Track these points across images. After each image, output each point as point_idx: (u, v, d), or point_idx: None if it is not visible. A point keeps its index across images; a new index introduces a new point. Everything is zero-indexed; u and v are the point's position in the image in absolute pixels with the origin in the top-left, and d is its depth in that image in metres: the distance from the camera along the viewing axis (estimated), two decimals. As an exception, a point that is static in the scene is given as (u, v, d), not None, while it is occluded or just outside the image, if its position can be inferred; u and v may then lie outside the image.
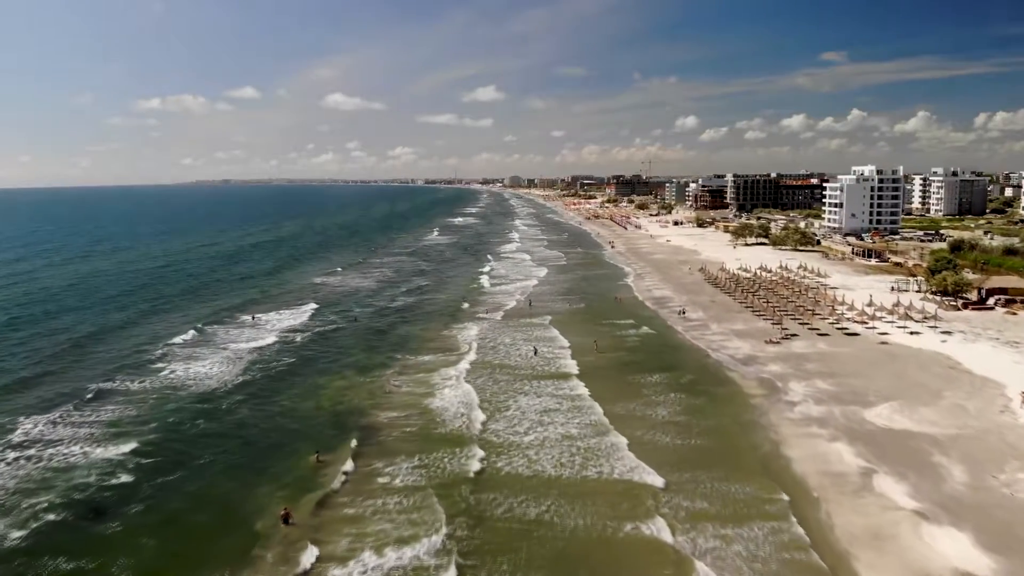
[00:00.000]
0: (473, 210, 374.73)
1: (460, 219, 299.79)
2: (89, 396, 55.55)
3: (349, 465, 42.17)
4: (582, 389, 55.78)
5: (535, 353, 66.72)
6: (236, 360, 65.98)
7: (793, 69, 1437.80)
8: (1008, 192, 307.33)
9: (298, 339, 74.88)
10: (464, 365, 63.34)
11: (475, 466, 42.03)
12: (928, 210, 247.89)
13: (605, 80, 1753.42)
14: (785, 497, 37.20)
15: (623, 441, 44.85)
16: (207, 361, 65.61)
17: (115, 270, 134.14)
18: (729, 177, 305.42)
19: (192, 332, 76.77)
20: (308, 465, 42.64)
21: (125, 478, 41.33)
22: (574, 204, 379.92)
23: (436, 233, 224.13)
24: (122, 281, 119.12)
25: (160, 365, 64.48)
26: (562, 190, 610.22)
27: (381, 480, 40.44)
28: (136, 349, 70.48)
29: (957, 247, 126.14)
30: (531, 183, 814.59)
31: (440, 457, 43.40)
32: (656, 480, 39.24)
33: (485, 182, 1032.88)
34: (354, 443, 45.44)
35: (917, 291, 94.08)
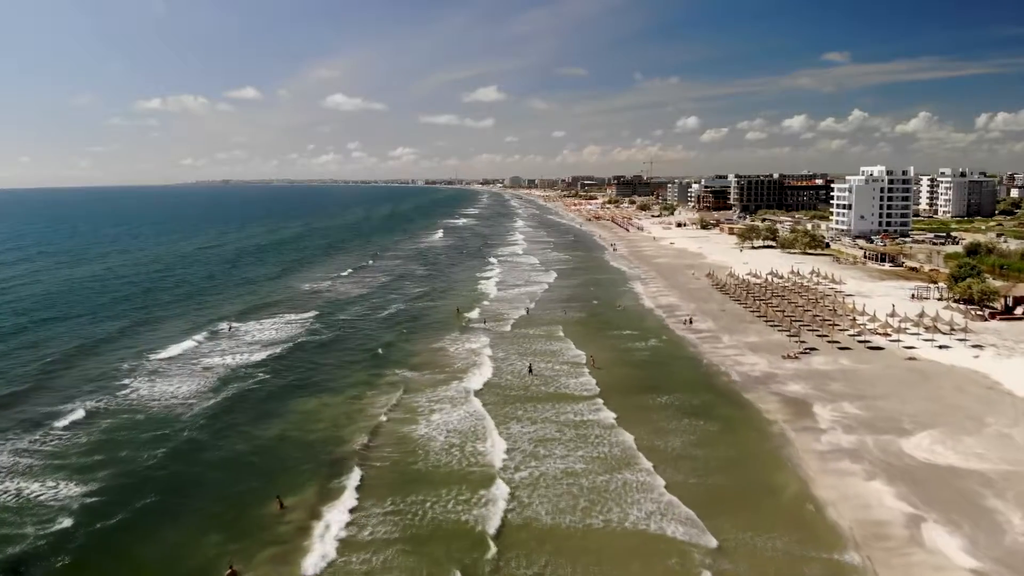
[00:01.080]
0: (474, 211, 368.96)
1: (462, 220, 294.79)
2: (42, 424, 50.30)
3: (316, 512, 36.70)
4: (606, 412, 50.50)
5: (530, 371, 61.37)
6: (215, 380, 60.34)
7: (794, 69, 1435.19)
8: (1014, 193, 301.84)
9: (290, 355, 69.11)
10: (470, 384, 57.95)
11: (490, 512, 35.88)
12: (936, 211, 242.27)
13: (606, 80, 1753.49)
14: (823, 555, 31.90)
15: (660, 483, 39.19)
16: (184, 381, 60.12)
17: (108, 275, 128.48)
18: (732, 178, 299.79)
19: (176, 347, 71.29)
20: (270, 511, 37.13)
21: (66, 523, 36.27)
22: (575, 205, 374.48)
23: (440, 235, 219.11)
24: (114, 287, 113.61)
25: (132, 385, 59.04)
26: (563, 191, 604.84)
27: (346, 532, 34.63)
28: (113, 368, 64.47)
29: (973, 251, 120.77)
30: (531, 184, 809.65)
31: (429, 500, 37.68)
32: (709, 541, 33.13)
33: (485, 183, 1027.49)
34: (327, 484, 40.10)
35: (939, 299, 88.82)
